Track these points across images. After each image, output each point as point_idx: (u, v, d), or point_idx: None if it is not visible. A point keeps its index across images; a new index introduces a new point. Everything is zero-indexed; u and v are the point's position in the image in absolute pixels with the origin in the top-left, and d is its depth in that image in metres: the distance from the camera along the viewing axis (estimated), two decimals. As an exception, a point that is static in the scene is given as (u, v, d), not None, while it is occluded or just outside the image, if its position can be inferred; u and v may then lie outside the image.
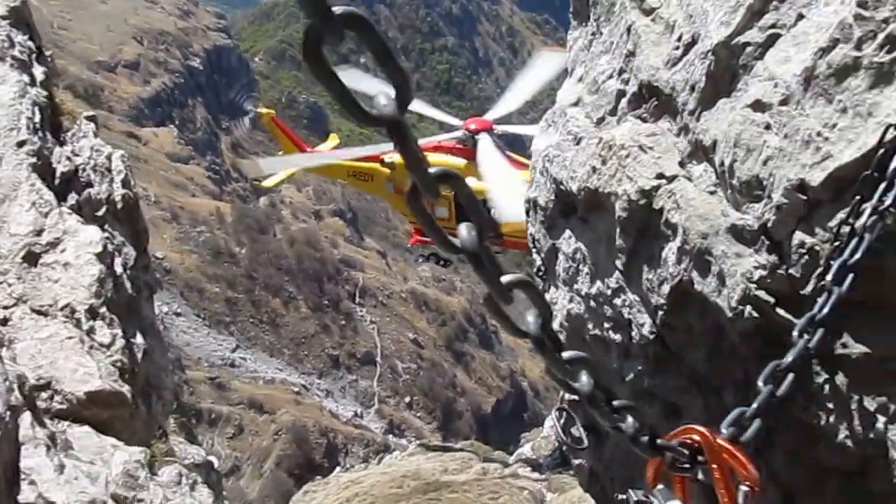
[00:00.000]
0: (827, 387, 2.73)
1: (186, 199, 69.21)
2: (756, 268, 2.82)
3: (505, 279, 1.43)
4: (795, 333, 2.38)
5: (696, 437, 1.96)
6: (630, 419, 1.85)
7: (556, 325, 4.82)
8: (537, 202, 4.96)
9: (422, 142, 19.35)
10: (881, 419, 2.56)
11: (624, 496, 3.36)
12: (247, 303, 63.96)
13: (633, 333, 3.72)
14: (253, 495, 47.76)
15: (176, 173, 72.72)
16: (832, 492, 2.99)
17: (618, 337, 3.94)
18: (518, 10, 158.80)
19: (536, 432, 41.21)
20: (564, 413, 4.58)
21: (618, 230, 3.67)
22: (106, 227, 6.88)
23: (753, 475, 1.88)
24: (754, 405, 2.18)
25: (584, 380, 1.73)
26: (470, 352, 73.65)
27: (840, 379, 2.69)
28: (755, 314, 2.81)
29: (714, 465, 1.91)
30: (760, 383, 2.25)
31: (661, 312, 3.40)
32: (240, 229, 68.01)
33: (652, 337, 3.54)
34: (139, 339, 6.27)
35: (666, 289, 3.29)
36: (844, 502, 2.95)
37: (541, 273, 5.23)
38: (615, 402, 1.80)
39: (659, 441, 1.92)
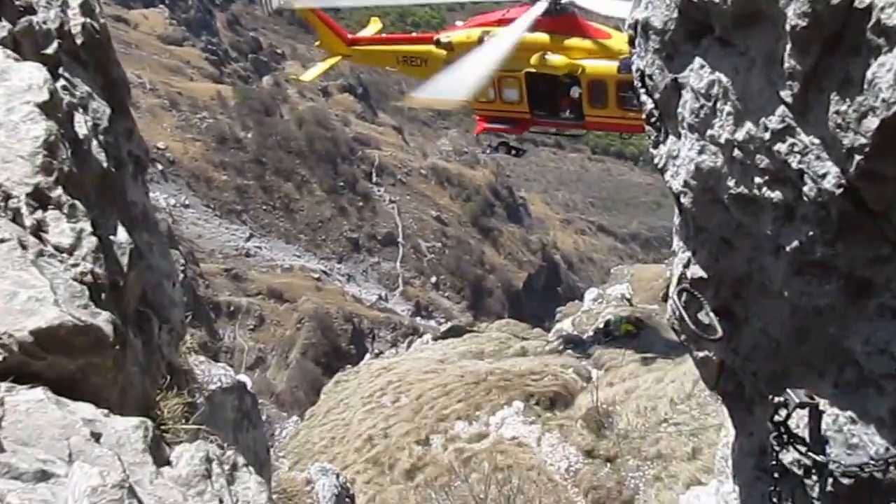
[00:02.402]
0: None
1: (184, 83, 66.67)
2: None
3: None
4: None
5: None
6: None
7: (677, 185, 3.99)
8: (650, 24, 3.89)
9: (492, 16, 17.59)
10: None
11: (779, 397, 3.22)
12: (258, 189, 62.59)
13: (807, 188, 2.92)
14: (281, 386, 47.99)
15: (170, 56, 69.76)
16: None
17: (776, 194, 3.13)
18: None
19: (573, 306, 40.29)
20: (686, 294, 4.28)
21: (788, 47, 2.79)
22: (60, 70, 4.49)
23: None
24: None
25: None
26: (497, 226, 72.37)
27: None
28: None
29: None
30: None
31: (857, 157, 2.60)
32: (244, 112, 65.73)
33: (839, 191, 2.76)
34: (122, 234, 4.09)
35: (871, 123, 2.49)
36: None
37: (653, 119, 4.24)
38: None
39: None
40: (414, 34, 24.17)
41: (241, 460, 3.56)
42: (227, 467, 3.39)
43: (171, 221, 52.77)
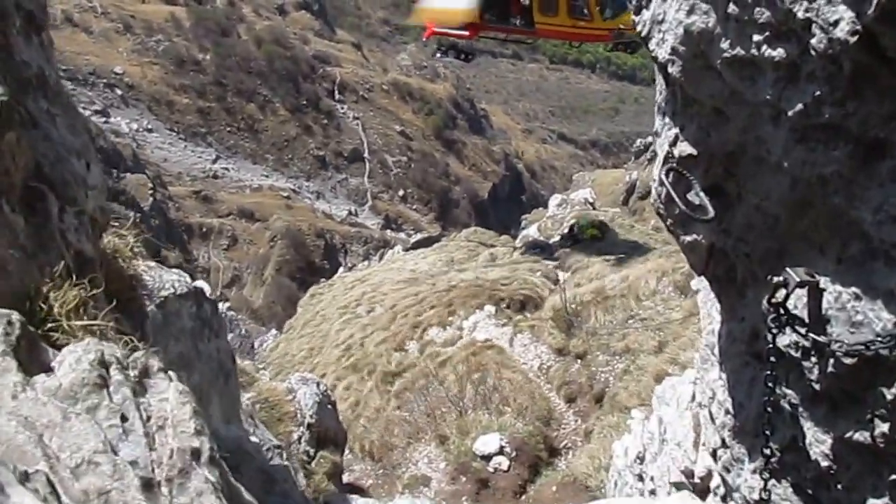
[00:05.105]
0: None
1: (136, 6, 64.97)
2: None
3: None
4: None
5: None
6: None
7: (664, 53, 3.51)
8: None
9: None
10: None
11: (777, 277, 2.88)
12: (221, 111, 61.80)
13: (815, 41, 2.53)
14: (258, 303, 48.55)
15: (120, -22, 67.34)
16: None
17: (778, 52, 2.74)
18: None
19: (538, 213, 41.19)
20: (674, 174, 3.68)
21: None
22: None
23: None
24: None
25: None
26: (461, 139, 72.56)
27: None
28: None
29: None
30: None
31: (876, -3, 2.18)
32: (200, 33, 64.38)
33: (853, 39, 2.39)
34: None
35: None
36: None
37: None
38: None
39: None
40: None
41: (155, 364, 2.73)
42: (133, 373, 2.57)
43: (135, 146, 52.58)
